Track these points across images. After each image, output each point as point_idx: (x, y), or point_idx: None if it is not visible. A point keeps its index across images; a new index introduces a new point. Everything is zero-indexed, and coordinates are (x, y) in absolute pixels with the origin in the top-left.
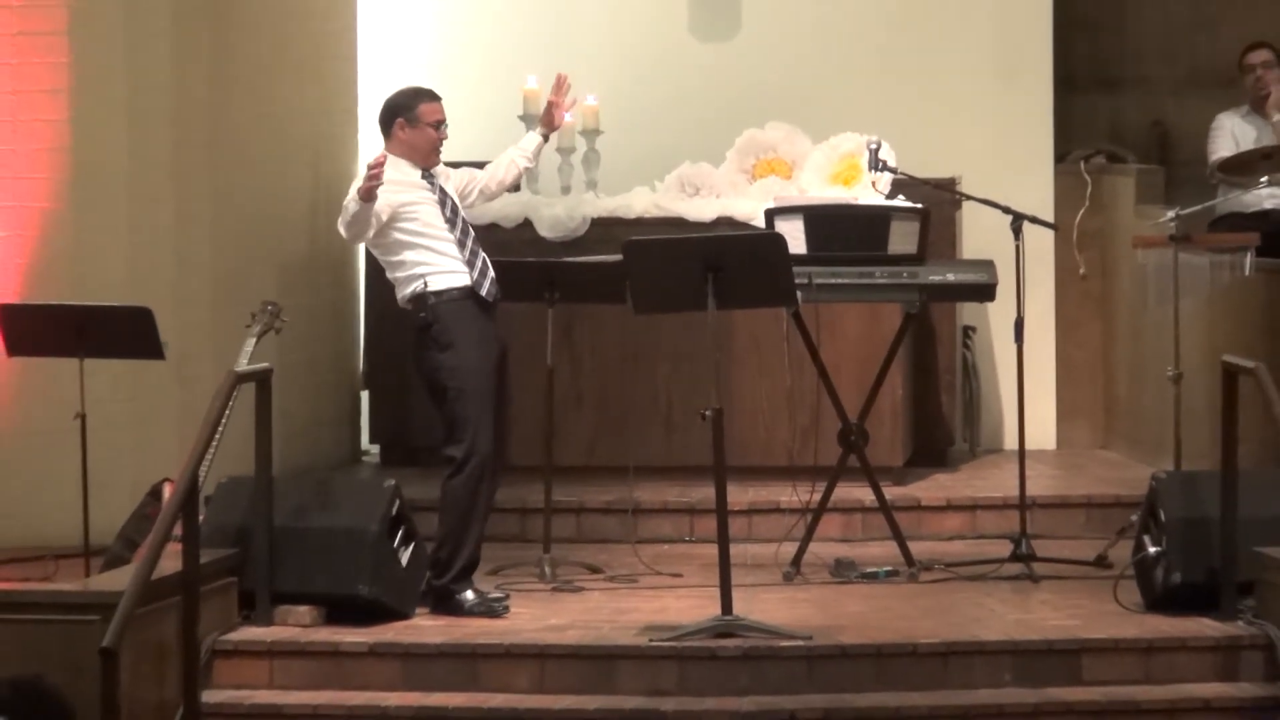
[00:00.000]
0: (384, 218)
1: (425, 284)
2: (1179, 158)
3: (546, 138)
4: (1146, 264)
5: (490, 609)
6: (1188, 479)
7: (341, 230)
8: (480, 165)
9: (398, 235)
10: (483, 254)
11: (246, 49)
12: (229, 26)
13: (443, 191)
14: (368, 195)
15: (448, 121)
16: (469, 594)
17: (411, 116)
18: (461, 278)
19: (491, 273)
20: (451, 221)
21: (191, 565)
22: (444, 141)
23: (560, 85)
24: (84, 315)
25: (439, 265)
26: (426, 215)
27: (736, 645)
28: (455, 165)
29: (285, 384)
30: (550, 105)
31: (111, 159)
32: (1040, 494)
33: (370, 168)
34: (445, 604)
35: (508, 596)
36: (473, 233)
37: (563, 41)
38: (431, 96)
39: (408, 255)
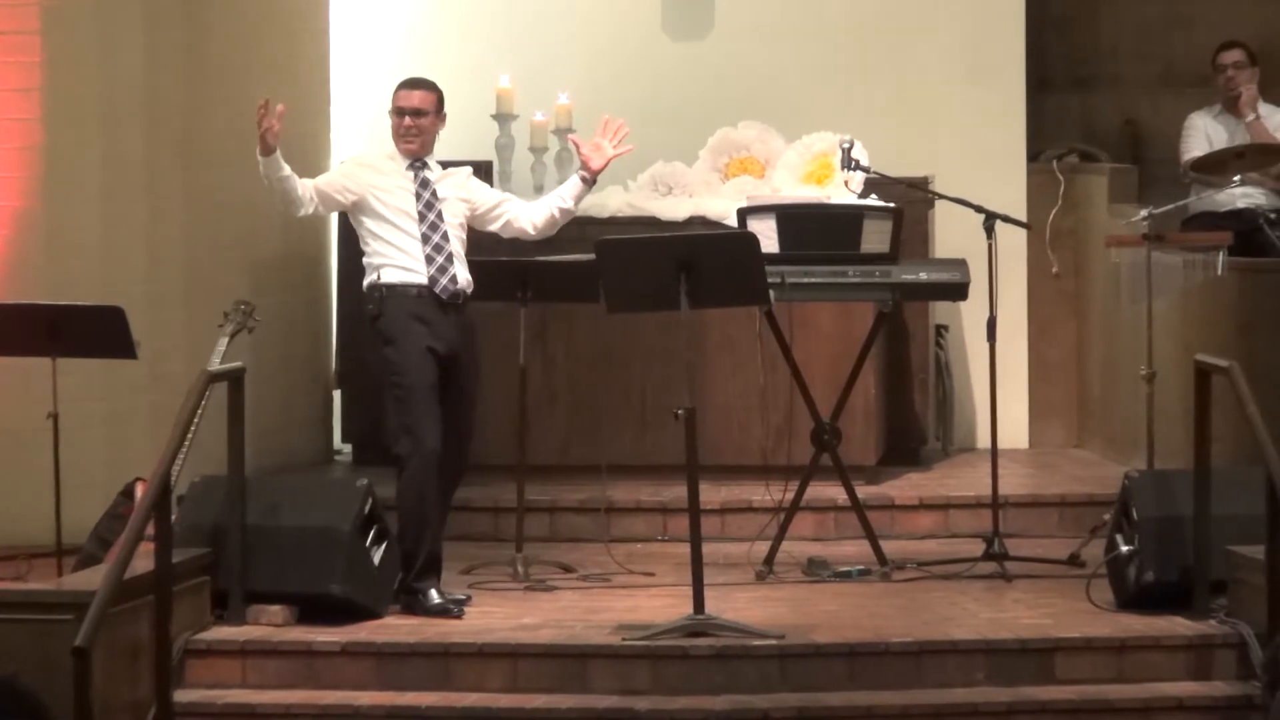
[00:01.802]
0: (348, 200)
1: (379, 275)
2: (1152, 157)
3: (589, 182)
4: (1120, 263)
5: (447, 610)
6: (1160, 478)
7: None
8: (458, 165)
9: (367, 223)
10: (451, 251)
11: (219, 48)
12: (202, 26)
13: (425, 183)
14: (262, 148)
15: (441, 114)
16: (433, 593)
17: (391, 104)
18: (416, 275)
19: (454, 272)
20: (422, 215)
21: (164, 565)
22: (411, 130)
23: (608, 129)
24: (56, 314)
25: (394, 259)
26: (396, 202)
27: (709, 644)
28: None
29: (258, 383)
30: (593, 146)
31: (84, 158)
32: (1013, 493)
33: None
34: (408, 601)
35: (469, 599)
36: (444, 230)
37: (536, 40)
38: (405, 84)
39: (371, 244)
